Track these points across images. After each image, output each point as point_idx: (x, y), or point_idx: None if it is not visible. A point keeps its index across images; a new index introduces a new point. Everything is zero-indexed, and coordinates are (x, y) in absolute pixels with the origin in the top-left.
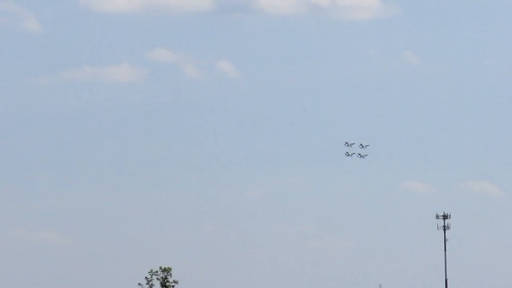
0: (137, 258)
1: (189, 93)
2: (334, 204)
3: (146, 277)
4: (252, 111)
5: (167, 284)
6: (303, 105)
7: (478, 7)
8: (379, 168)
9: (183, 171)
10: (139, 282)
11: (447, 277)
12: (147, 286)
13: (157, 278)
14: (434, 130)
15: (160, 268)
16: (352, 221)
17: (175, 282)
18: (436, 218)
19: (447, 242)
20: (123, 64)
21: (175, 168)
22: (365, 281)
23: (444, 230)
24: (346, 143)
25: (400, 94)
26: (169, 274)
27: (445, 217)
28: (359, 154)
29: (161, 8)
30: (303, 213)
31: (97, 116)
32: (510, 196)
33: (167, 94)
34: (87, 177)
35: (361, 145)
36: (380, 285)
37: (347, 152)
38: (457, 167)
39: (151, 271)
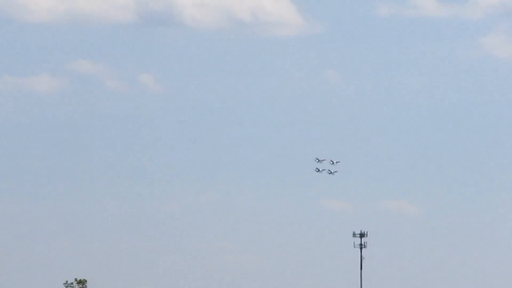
0: (52, 270)
1: (110, 105)
2: (252, 220)
3: None
4: (174, 125)
5: None
6: (223, 120)
7: (398, 26)
8: (297, 185)
9: (102, 182)
10: None
11: None
12: None
13: None
14: (352, 148)
15: (76, 280)
16: (269, 237)
17: None
18: (353, 236)
19: (363, 261)
20: (44, 75)
21: (94, 179)
22: None
23: (361, 248)
24: (317, 159)
25: (319, 112)
26: (84, 286)
27: (362, 235)
28: (329, 171)
29: (83, 19)
30: (222, 228)
31: (16, 126)
32: (427, 215)
33: (87, 106)
34: (1, 186)
35: (331, 161)
36: None
37: (317, 168)
38: (375, 185)
39: (66, 283)
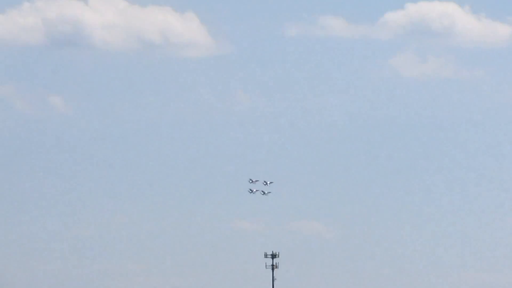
0: None
1: (19, 127)
2: (164, 241)
3: None
4: (83, 146)
5: None
6: (133, 140)
7: (308, 47)
8: (210, 207)
9: (12, 205)
10: None
11: None
12: None
13: None
14: (264, 170)
15: None
16: (182, 258)
17: None
18: (265, 257)
19: (275, 281)
20: None
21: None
22: None
23: (273, 269)
24: (251, 179)
25: (232, 131)
26: None
27: (273, 256)
28: (263, 192)
29: None
30: (130, 251)
31: None
32: (338, 236)
33: None
34: None
35: (264, 182)
36: None
37: (250, 189)
38: (287, 206)
39: None
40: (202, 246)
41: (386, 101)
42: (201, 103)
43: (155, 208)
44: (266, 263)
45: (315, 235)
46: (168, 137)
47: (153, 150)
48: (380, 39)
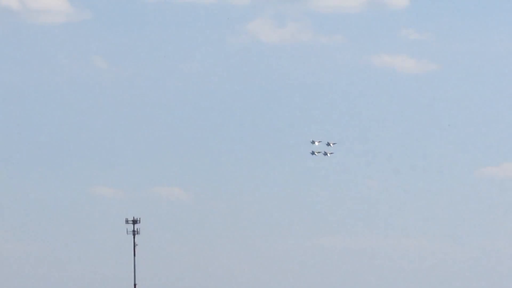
0: None
1: None
2: (24, 208)
3: None
4: None
5: None
6: None
7: (168, 13)
8: (68, 173)
9: None
10: None
11: (136, 282)
12: None
13: None
14: (126, 137)
15: None
16: (42, 225)
17: None
18: (126, 223)
19: (136, 247)
20: None
21: None
22: (56, 286)
23: (134, 235)
24: (313, 141)
25: (90, 99)
26: None
27: (134, 222)
28: (325, 152)
29: None
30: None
31: None
32: (198, 201)
33: None
34: None
35: (327, 143)
36: None
37: (312, 151)
38: (146, 172)
39: None
40: (61, 213)
41: (245, 67)
42: (59, 70)
43: (15, 175)
44: (127, 229)
45: (175, 200)
46: (23, 102)
47: (7, 114)
48: (237, 4)
